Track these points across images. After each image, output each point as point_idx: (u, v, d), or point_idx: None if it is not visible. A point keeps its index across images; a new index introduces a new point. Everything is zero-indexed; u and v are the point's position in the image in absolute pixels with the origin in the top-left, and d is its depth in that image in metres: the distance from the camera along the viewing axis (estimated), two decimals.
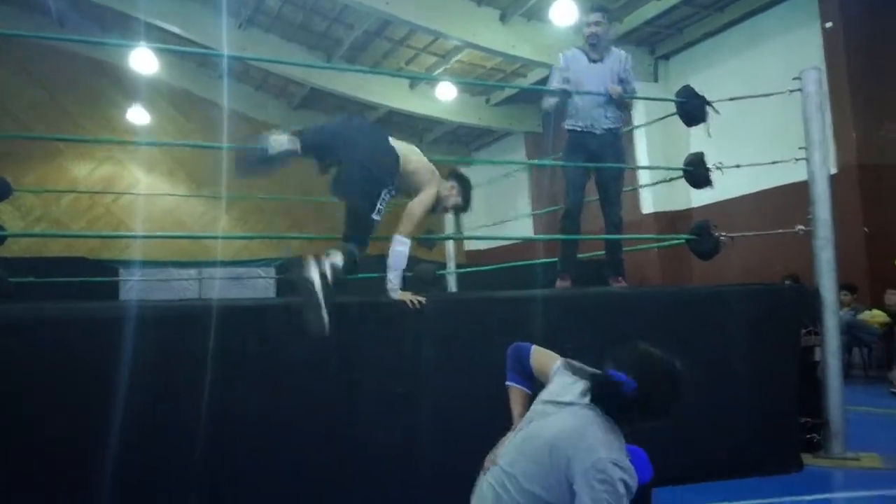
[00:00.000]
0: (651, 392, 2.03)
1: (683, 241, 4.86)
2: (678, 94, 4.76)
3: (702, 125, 4.68)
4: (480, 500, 2.15)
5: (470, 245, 15.73)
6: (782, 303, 4.25)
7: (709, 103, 4.58)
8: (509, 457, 2.12)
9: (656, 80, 11.55)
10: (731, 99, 4.61)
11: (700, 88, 4.77)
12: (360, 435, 3.17)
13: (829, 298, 4.30)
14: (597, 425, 2.00)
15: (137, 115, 13.99)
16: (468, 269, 9.05)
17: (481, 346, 3.24)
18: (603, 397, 2.04)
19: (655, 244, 8.04)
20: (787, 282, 7.14)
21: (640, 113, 10.22)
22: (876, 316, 8.15)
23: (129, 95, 13.94)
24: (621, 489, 1.88)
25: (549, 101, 5.06)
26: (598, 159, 4.86)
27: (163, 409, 2.88)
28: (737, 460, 3.88)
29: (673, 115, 4.84)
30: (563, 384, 2.19)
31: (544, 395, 2.23)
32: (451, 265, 8.73)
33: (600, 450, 1.93)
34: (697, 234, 4.67)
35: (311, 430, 3.11)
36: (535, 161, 13.40)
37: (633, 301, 4.14)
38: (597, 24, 4.83)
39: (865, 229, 8.83)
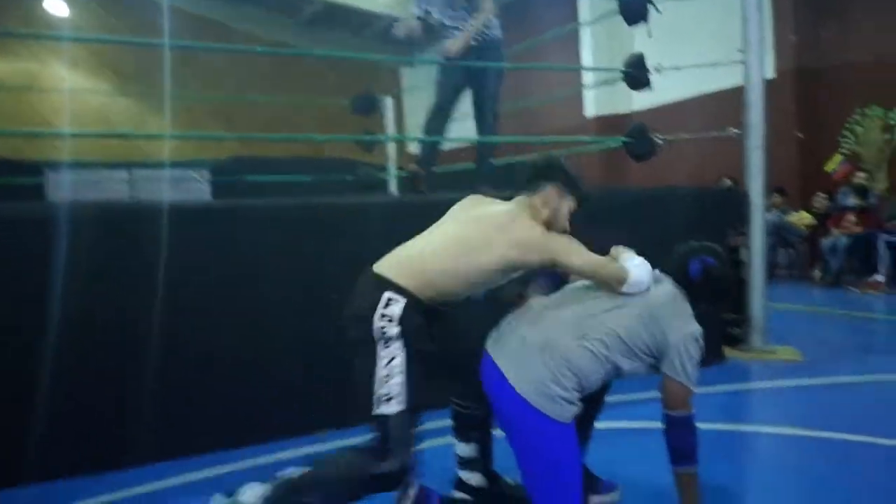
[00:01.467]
0: (721, 275, 2.27)
1: (620, 143, 4.87)
2: None
3: (643, 25, 4.59)
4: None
5: (414, 148, 15.52)
6: (711, 205, 4.34)
7: (650, 1, 4.49)
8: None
9: None
10: None
11: None
12: (295, 334, 3.17)
13: (757, 201, 4.41)
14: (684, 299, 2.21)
15: (57, 8, 13.02)
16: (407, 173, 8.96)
17: None
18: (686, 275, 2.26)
19: (592, 146, 8.03)
20: (728, 184, 7.28)
21: (584, 12, 10.02)
22: (803, 218, 8.45)
23: None
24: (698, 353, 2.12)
25: (401, 28, 4.65)
26: (474, 71, 4.50)
27: (100, 311, 2.82)
28: None
29: (615, 14, 4.74)
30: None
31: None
32: (392, 168, 8.60)
33: (693, 322, 2.15)
34: (633, 136, 4.68)
35: (245, 330, 3.09)
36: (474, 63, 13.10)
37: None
38: None
39: (799, 134, 9.02)
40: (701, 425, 2.12)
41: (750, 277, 4.45)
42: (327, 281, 3.23)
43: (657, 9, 4.49)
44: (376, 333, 1.98)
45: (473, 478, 2.34)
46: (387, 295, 2.01)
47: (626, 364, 2.09)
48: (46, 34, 14.53)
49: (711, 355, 4.38)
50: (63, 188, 10.83)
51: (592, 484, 2.34)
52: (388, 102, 7.85)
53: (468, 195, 2.36)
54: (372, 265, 2.11)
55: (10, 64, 13.13)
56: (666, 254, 4.06)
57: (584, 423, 2.23)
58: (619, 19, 4.70)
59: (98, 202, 3.56)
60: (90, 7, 13.70)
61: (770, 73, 8.83)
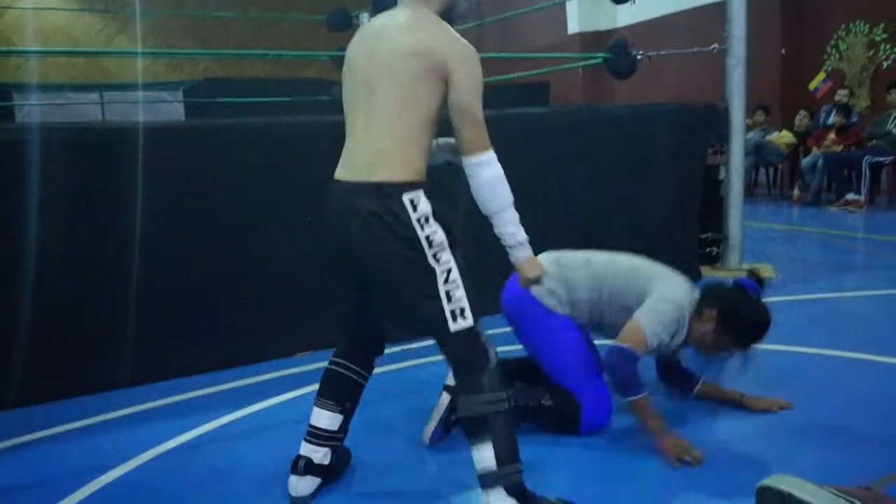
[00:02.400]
0: (746, 312, 2.22)
1: (601, 60, 4.76)
2: None
3: None
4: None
5: None
6: (691, 122, 4.29)
7: None
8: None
9: None
10: None
11: None
12: (266, 257, 3.15)
13: (738, 118, 4.35)
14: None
15: None
16: None
17: None
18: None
19: (573, 65, 7.88)
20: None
21: None
22: (784, 136, 8.41)
23: None
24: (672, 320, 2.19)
25: None
26: None
27: (76, 235, 2.76)
28: None
29: None
30: None
31: None
32: None
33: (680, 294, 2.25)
34: (614, 52, 4.56)
35: (219, 251, 3.06)
36: None
37: (550, 119, 4.10)
38: None
39: (782, 51, 8.89)
40: None
41: (727, 196, 4.44)
42: (302, 201, 3.19)
43: None
44: (423, 246, 1.72)
45: None
46: (407, 197, 1.72)
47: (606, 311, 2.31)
48: None
49: (688, 273, 4.45)
50: (32, 111, 10.56)
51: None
52: (364, 18, 7.59)
53: None
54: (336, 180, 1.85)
55: None
56: (646, 170, 4.09)
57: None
58: None
59: (70, 123, 3.43)
60: None
61: None
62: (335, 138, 3.01)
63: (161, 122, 3.31)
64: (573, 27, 11.16)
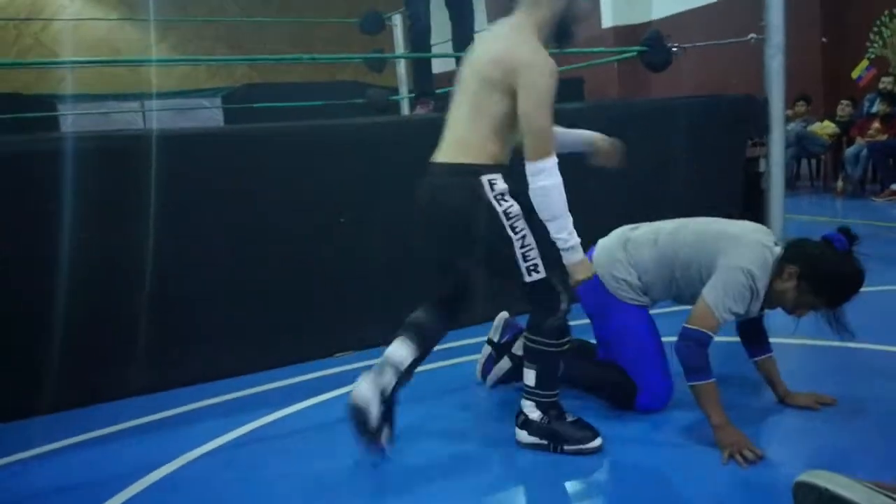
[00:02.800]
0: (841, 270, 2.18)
1: (635, 53, 4.71)
2: None
3: None
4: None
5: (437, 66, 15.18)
6: (729, 113, 4.22)
7: None
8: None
9: None
10: None
11: None
12: (301, 259, 3.18)
13: (777, 109, 4.27)
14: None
15: None
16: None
17: None
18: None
19: (607, 59, 7.80)
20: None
21: None
22: (826, 127, 8.22)
23: None
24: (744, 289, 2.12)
25: None
26: None
27: (115, 241, 2.82)
28: None
29: None
30: None
31: None
32: (404, 90, 8.44)
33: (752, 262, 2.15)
34: (649, 45, 4.51)
35: (260, 258, 3.10)
36: None
37: (584, 115, 4.07)
38: None
39: (823, 39, 8.68)
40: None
41: (768, 188, 4.36)
42: (339, 203, 3.23)
43: None
44: (502, 219, 2.01)
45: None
46: (485, 178, 2.02)
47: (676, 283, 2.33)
48: None
49: None
50: (76, 121, 10.85)
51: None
52: (397, 20, 7.63)
53: None
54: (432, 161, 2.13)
55: None
56: (684, 163, 4.03)
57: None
58: None
59: (110, 132, 3.50)
60: None
61: None
62: (365, 140, 3.03)
63: (192, 129, 3.36)
64: (607, 21, 11.06)
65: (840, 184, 7.96)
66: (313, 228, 3.19)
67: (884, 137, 7.50)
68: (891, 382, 2.57)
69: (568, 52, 4.68)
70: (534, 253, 2.04)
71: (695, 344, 2.10)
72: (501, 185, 2.02)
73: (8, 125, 7.68)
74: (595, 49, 7.98)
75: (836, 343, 2.91)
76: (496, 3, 13.99)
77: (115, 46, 13.24)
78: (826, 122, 8.26)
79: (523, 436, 2.19)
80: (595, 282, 2.28)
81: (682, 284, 2.33)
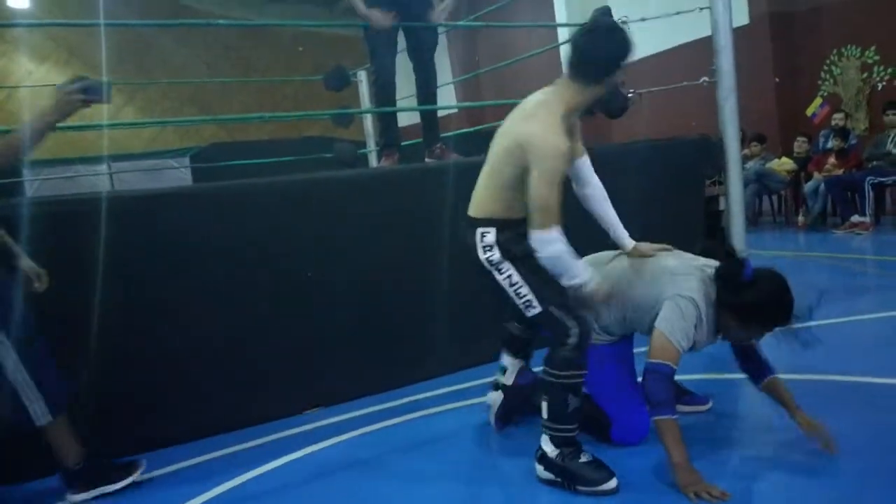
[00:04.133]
0: (769, 295, 2.26)
1: None
2: None
3: None
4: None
5: (403, 120, 15.31)
6: (686, 154, 4.32)
7: None
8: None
9: None
10: None
11: None
12: (272, 319, 3.16)
13: (732, 147, 4.37)
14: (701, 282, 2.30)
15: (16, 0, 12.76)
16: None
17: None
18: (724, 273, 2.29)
19: None
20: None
21: None
22: (784, 164, 8.44)
23: None
24: (691, 315, 2.22)
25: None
26: (408, 12, 4.21)
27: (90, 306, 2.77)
28: None
29: None
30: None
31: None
32: (371, 143, 8.52)
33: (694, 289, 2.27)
34: (605, 92, 4.60)
35: (228, 318, 3.07)
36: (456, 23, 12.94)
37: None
38: None
39: (776, 79, 8.98)
40: (687, 376, 2.17)
41: (729, 226, 4.44)
42: (302, 257, 3.23)
43: None
44: (486, 265, 2.32)
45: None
46: (479, 231, 2.32)
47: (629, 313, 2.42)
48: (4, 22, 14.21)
49: None
50: (42, 185, 10.75)
51: (683, 395, 2.70)
52: (362, 76, 7.74)
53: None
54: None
55: None
56: (644, 205, 4.10)
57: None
58: None
59: (77, 195, 3.47)
60: None
61: (744, 19, 8.78)
62: (329, 194, 3.03)
63: (156, 190, 3.36)
64: (565, 69, 11.35)
65: (801, 218, 8.14)
66: (280, 284, 3.18)
67: (840, 172, 7.71)
68: (859, 412, 2.60)
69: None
70: (524, 290, 2.27)
71: (659, 377, 2.15)
72: (490, 238, 2.31)
73: None
74: None
75: (805, 376, 2.96)
76: (460, 57, 14.29)
77: (82, 111, 13.22)
78: (784, 159, 8.48)
79: (540, 470, 2.30)
80: None
81: (634, 319, 2.43)
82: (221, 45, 13.48)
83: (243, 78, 12.91)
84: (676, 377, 2.38)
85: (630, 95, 4.56)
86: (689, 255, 2.47)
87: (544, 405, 2.26)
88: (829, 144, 8.09)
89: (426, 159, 4.57)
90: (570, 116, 2.30)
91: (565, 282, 2.24)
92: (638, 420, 2.44)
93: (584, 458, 2.22)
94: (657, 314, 2.26)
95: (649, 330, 2.30)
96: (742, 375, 2.54)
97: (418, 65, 4.53)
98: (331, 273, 3.27)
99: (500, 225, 2.32)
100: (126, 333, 2.84)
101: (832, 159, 7.87)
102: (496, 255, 2.30)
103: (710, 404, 2.77)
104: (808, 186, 8.05)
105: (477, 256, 2.34)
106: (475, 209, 2.38)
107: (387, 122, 4.58)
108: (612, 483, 2.14)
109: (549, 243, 2.18)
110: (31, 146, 2.30)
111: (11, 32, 12.90)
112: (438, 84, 4.66)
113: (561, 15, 10.99)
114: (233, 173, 8.44)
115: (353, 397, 3.26)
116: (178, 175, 11.27)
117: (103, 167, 11.43)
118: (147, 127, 13.67)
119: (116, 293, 2.82)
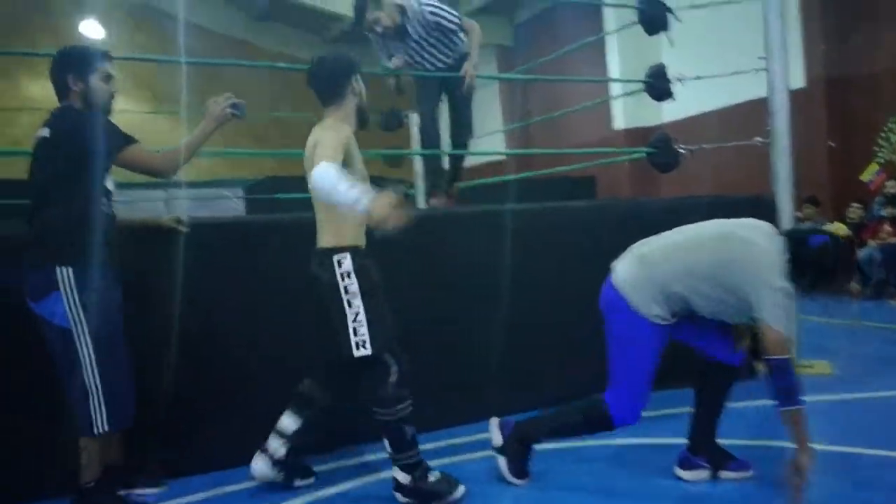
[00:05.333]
0: (834, 255, 2.42)
1: (644, 154, 4.83)
2: (639, 0, 4.61)
3: (664, 34, 4.57)
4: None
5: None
6: (738, 213, 4.25)
7: (669, 10, 4.46)
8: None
9: None
10: (694, 6, 4.49)
11: None
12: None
13: (785, 209, 4.32)
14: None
15: (92, 29, 13.38)
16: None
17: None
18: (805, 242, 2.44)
19: (617, 158, 7.99)
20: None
21: (610, 24, 10.01)
22: (838, 229, 8.25)
23: (83, 7, 13.31)
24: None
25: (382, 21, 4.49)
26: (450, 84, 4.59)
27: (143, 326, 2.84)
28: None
29: (636, 24, 4.72)
30: None
31: None
32: (420, 183, 8.63)
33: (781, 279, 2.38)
34: (657, 147, 4.63)
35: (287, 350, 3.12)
36: (501, 75, 13.11)
37: (589, 215, 4.15)
38: None
39: (831, 143, 8.86)
40: (735, 441, 2.15)
41: None
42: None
43: (676, 18, 4.46)
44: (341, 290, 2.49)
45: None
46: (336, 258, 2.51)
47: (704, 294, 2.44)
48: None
49: (743, 370, 4.32)
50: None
51: (726, 461, 2.67)
52: (414, 118, 7.90)
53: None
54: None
55: (46, 86, 13.47)
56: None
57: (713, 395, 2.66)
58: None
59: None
60: (124, 29, 14.07)
61: (799, 82, 8.73)
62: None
63: (213, 218, 3.48)
64: (619, 123, 11.38)
65: (854, 286, 7.92)
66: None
67: (895, 240, 7.52)
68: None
69: (580, 151, 4.85)
70: (363, 329, 2.44)
71: (786, 370, 2.26)
72: (347, 264, 2.49)
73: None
74: (605, 149, 8.20)
75: (851, 449, 2.87)
76: (511, 105, 14.43)
77: (144, 137, 13.64)
78: (837, 224, 8.30)
79: (399, 497, 2.53)
80: (616, 296, 2.51)
81: (704, 292, 2.42)
82: (282, 81, 13.89)
83: (298, 112, 13.25)
84: (720, 441, 2.38)
85: (681, 152, 4.56)
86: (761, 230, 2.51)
87: (386, 442, 2.53)
88: (884, 212, 7.91)
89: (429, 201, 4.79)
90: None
91: (346, 208, 2.19)
92: (640, 405, 2.53)
93: (432, 477, 2.52)
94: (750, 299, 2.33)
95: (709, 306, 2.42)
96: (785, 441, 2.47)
97: (452, 114, 4.75)
98: None
99: (353, 251, 2.52)
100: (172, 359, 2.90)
101: (888, 227, 7.69)
102: (355, 283, 2.48)
103: (751, 471, 2.70)
104: (862, 254, 7.86)
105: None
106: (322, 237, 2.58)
107: (433, 166, 4.71)
108: (461, 491, 2.52)
109: (327, 173, 2.22)
110: (190, 156, 2.67)
111: None
112: (488, 131, 4.83)
113: (614, 69, 11.08)
114: (287, 206, 8.63)
115: None
116: (232, 204, 11.54)
117: (161, 193, 11.77)
118: (204, 157, 14.06)
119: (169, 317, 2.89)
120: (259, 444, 2.75)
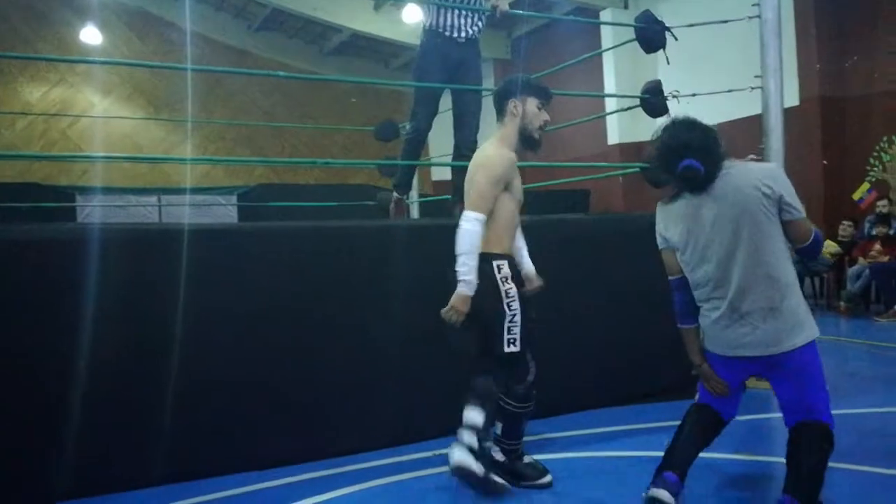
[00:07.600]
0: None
1: (637, 169, 4.86)
2: (637, 19, 4.64)
3: (661, 52, 4.61)
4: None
5: (437, 174, 15.53)
6: None
7: (667, 29, 4.51)
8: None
9: (626, 6, 11.36)
10: (690, 25, 4.54)
11: (668, 16, 4.67)
12: (314, 362, 3.21)
13: None
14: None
15: (91, 36, 13.39)
16: (430, 199, 8.99)
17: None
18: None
19: (611, 173, 8.04)
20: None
21: (607, 40, 10.08)
22: (828, 247, 8.31)
23: (83, 15, 13.33)
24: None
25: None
26: (457, 71, 4.56)
27: (128, 333, 2.86)
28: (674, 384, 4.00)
29: (633, 41, 4.76)
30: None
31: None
32: (415, 194, 8.66)
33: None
34: (649, 162, 4.64)
35: (271, 356, 3.13)
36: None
37: (583, 228, 4.18)
38: None
39: (824, 161, 8.94)
40: (725, 455, 2.14)
41: None
42: (339, 303, 3.28)
43: (674, 37, 4.51)
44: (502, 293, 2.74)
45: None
46: (495, 263, 2.76)
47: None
48: (78, 58, 14.88)
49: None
50: (93, 212, 11.10)
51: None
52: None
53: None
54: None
55: (43, 91, 13.49)
56: None
57: None
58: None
59: (125, 224, 3.61)
60: (122, 36, 14.08)
61: (794, 100, 8.81)
62: (369, 242, 3.08)
63: (203, 224, 3.47)
64: (613, 138, 11.45)
65: (843, 303, 7.98)
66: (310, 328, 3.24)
67: (885, 259, 7.58)
68: None
69: (574, 165, 4.87)
70: (517, 329, 2.66)
71: (818, 241, 2.63)
72: (506, 269, 2.74)
73: (25, 213, 7.90)
74: (601, 164, 8.24)
75: (837, 465, 2.88)
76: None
77: (139, 143, 13.73)
78: (829, 242, 8.37)
79: (491, 477, 2.63)
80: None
81: (779, 246, 2.59)
82: (280, 91, 13.94)
83: (297, 123, 13.29)
84: (706, 454, 2.38)
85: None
86: None
87: (500, 426, 2.81)
88: (874, 231, 7.98)
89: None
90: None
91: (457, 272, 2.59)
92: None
93: (526, 460, 2.82)
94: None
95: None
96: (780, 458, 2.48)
97: (456, 124, 4.71)
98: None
99: (510, 260, 2.81)
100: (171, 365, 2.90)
101: (878, 246, 7.75)
102: (514, 288, 2.71)
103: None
104: (851, 271, 7.92)
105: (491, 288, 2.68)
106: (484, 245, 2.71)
107: (405, 169, 4.85)
108: (547, 478, 2.75)
109: (469, 232, 2.63)
110: None
111: (81, 66, 13.49)
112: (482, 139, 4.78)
113: (610, 85, 11.16)
114: (279, 214, 8.64)
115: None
116: (224, 211, 11.54)
117: (153, 199, 11.76)
118: (199, 164, 14.09)
119: (165, 320, 2.89)
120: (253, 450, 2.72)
